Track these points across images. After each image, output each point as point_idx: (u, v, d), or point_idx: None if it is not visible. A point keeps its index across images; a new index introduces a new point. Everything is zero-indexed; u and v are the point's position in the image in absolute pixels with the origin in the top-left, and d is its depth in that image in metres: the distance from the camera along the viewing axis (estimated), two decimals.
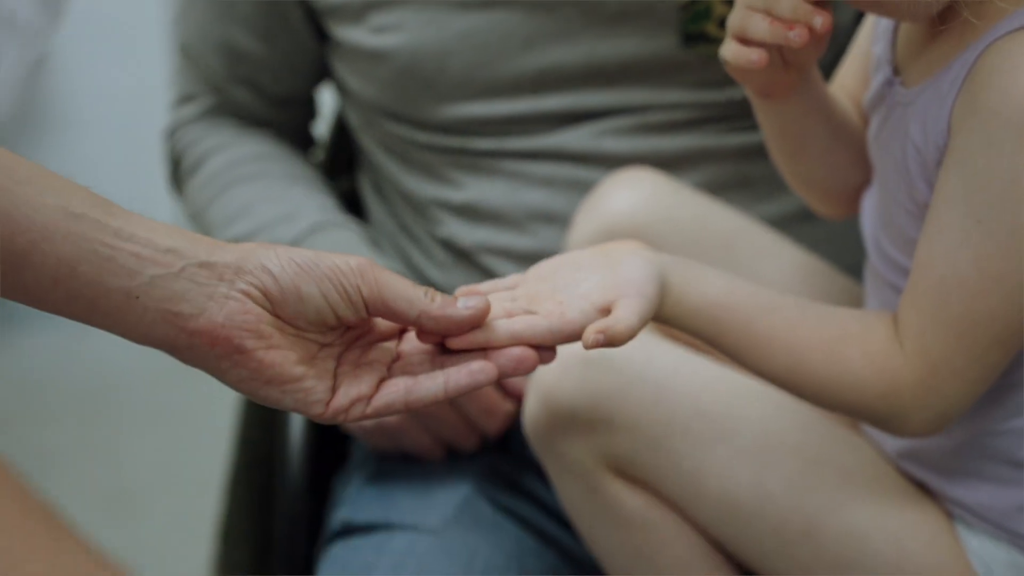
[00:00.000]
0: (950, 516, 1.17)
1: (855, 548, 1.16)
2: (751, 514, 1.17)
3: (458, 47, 1.45)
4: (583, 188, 1.44)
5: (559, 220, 1.46)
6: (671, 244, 1.30)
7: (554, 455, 1.23)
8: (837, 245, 1.47)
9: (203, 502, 2.21)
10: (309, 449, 1.65)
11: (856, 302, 1.30)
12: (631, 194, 1.33)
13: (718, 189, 1.45)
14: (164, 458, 2.77)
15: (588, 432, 1.20)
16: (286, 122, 1.63)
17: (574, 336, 1.01)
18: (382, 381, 0.99)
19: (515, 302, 1.03)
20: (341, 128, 1.71)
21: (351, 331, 1.00)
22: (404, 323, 0.99)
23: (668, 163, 1.44)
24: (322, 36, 1.55)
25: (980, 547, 1.15)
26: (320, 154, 1.71)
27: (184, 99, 1.62)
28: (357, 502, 1.47)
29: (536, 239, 1.47)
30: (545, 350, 1.01)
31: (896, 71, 1.14)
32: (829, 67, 1.35)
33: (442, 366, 1.00)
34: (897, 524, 1.16)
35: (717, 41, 1.42)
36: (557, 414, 1.21)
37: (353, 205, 1.68)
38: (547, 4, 1.43)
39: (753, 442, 1.17)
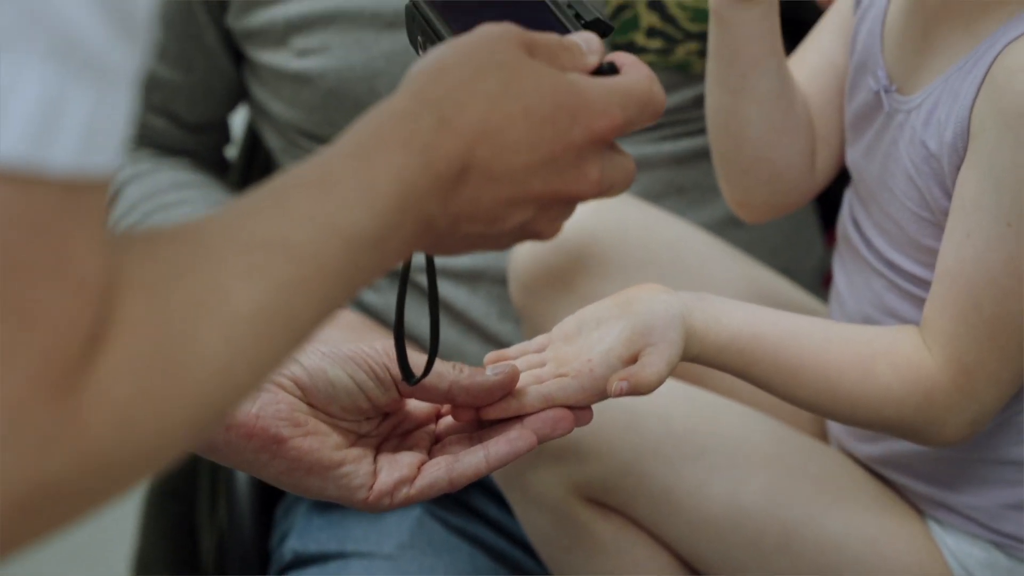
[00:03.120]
0: (922, 515, 1.18)
1: (833, 556, 1.16)
2: (727, 529, 1.17)
3: (386, 67, 1.43)
4: None
5: None
6: (620, 253, 1.29)
7: (520, 487, 1.22)
8: (763, 250, 1.48)
9: (119, 534, 2.17)
10: (251, 480, 1.63)
11: (799, 305, 1.31)
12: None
13: (651, 197, 1.45)
14: None
15: (556, 462, 1.19)
16: (202, 148, 1.60)
17: (604, 392, 1.01)
18: (422, 464, 0.98)
19: (544, 367, 1.03)
20: (253, 151, 1.68)
21: (387, 420, 0.99)
22: (436, 398, 0.98)
23: None
24: (239, 60, 1.52)
25: (956, 546, 1.16)
26: (233, 177, 1.69)
27: None
28: (306, 532, 1.45)
29: (474, 257, 1.45)
30: (580, 410, 1.01)
31: (889, 78, 1.14)
32: None
33: (480, 440, 0.99)
34: (874, 529, 1.16)
35: (645, 51, 1.42)
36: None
37: None
38: None
39: (725, 458, 1.18)
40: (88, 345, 0.58)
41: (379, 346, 0.98)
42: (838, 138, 1.23)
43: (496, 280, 1.44)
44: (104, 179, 0.59)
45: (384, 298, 1.50)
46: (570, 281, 1.28)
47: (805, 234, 1.55)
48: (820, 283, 1.55)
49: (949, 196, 1.08)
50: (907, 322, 1.13)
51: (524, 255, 1.30)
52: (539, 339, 1.08)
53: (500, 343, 1.43)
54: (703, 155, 1.45)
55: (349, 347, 0.98)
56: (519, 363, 1.03)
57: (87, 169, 0.58)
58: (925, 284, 1.12)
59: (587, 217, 1.29)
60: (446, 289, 1.46)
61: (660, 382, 1.02)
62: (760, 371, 1.08)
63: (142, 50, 0.60)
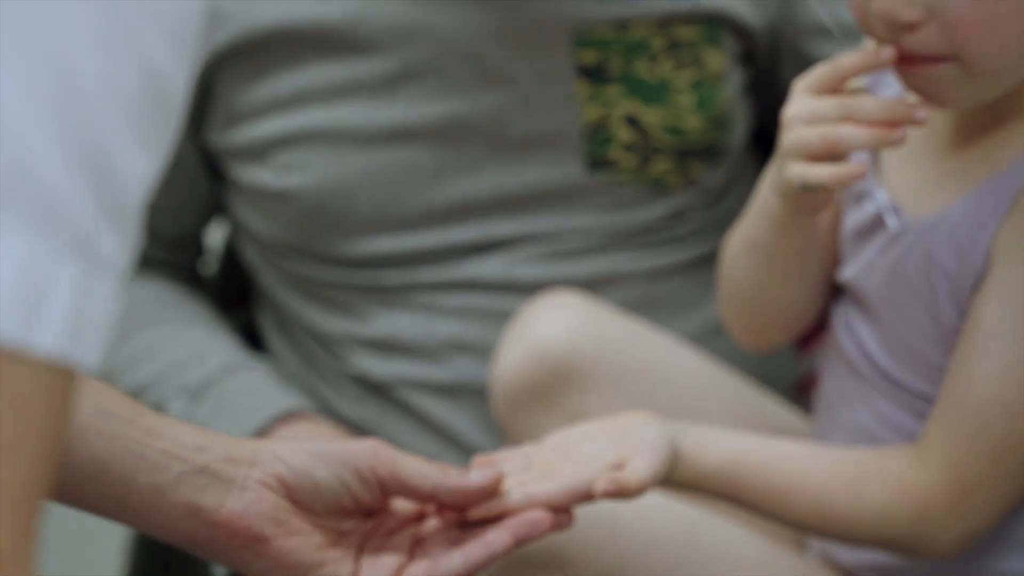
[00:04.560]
0: None
1: None
2: None
3: (365, 184, 1.45)
4: (497, 317, 1.45)
5: (474, 350, 1.46)
6: (604, 368, 1.30)
7: None
8: (738, 360, 1.49)
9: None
10: None
11: (784, 420, 1.32)
12: (561, 319, 1.32)
13: (628, 311, 1.46)
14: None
15: (537, 570, 1.19)
16: (178, 262, 1.61)
17: (589, 495, 1.02)
18: (402, 567, 0.99)
19: (529, 471, 1.04)
20: (229, 264, 1.69)
21: (370, 518, 1.00)
22: (421, 498, 0.99)
23: (580, 288, 1.45)
24: (216, 176, 1.54)
25: None
26: (211, 292, 1.69)
27: None
28: None
29: (451, 370, 1.46)
30: (561, 512, 1.01)
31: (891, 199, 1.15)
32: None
33: (460, 542, 1.00)
34: None
35: (622, 165, 1.44)
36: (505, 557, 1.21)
37: (248, 342, 1.66)
38: (452, 137, 1.44)
39: (706, 571, 1.18)
40: None
41: (366, 445, 0.99)
42: (834, 259, 1.24)
43: (476, 393, 1.45)
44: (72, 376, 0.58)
45: (365, 410, 1.50)
46: (553, 396, 1.29)
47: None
48: (794, 391, 1.56)
49: (962, 315, 1.10)
50: (908, 433, 1.14)
51: (507, 369, 1.31)
52: (527, 447, 1.08)
53: None
54: (679, 269, 1.47)
55: (336, 446, 0.99)
56: (505, 467, 1.04)
57: (69, 358, 0.57)
58: (928, 398, 1.14)
59: (570, 331, 1.30)
60: (426, 402, 1.47)
61: (644, 487, 1.03)
62: (750, 495, 1.09)
63: (131, 244, 0.60)
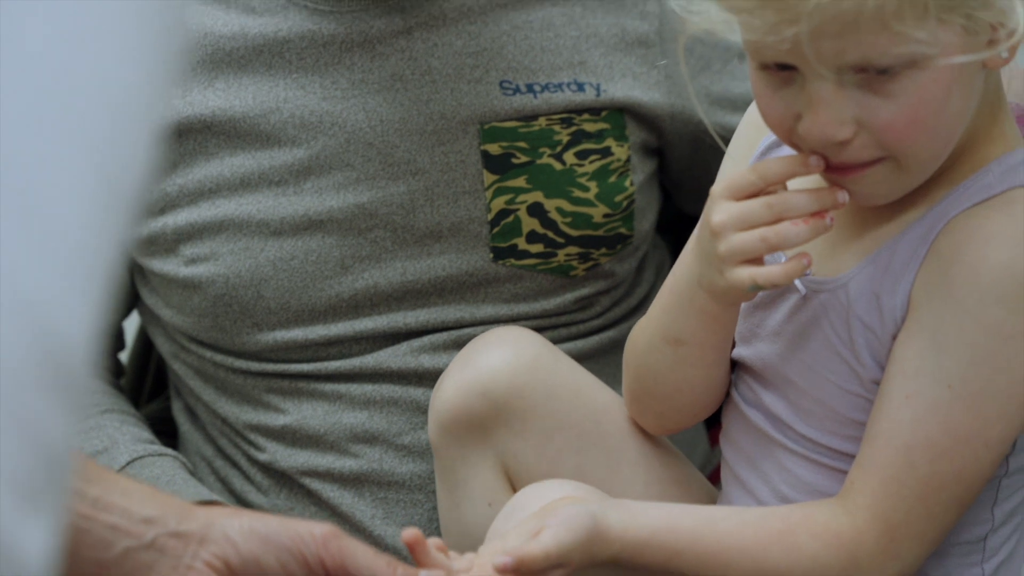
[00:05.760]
0: None
1: None
2: None
3: (273, 274, 1.46)
4: (403, 407, 1.46)
5: (380, 440, 1.47)
6: (544, 413, 1.30)
7: None
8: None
9: None
10: None
11: (705, 484, 1.33)
12: (510, 355, 1.31)
13: None
14: None
15: None
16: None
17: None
18: None
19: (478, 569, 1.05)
20: (144, 354, 1.70)
21: None
22: None
23: None
24: (130, 267, 1.54)
25: None
26: (124, 381, 1.69)
27: None
28: None
29: (359, 460, 1.47)
30: None
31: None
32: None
33: None
34: None
35: (526, 254, 1.46)
36: None
37: (163, 431, 1.66)
38: (359, 227, 1.45)
39: None
40: None
41: (318, 533, 0.99)
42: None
43: (381, 483, 1.46)
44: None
45: (275, 499, 1.50)
46: (488, 431, 1.29)
47: (689, 433, 1.57)
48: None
49: (882, 367, 1.12)
50: (824, 494, 1.16)
51: (448, 395, 1.30)
52: (468, 557, 1.09)
53: (384, 546, 1.44)
54: (586, 357, 1.48)
55: (288, 531, 0.98)
56: (455, 564, 1.05)
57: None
58: (849, 457, 1.15)
59: (517, 369, 1.29)
60: (332, 492, 1.47)
61: (545, 559, 1.03)
62: (685, 561, 1.10)
63: (77, 422, 0.58)
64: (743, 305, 1.21)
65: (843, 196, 1.08)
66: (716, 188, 1.13)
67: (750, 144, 1.24)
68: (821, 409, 1.16)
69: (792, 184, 1.12)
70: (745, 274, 1.10)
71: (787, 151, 1.14)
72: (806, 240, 1.09)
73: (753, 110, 1.24)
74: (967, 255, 1.08)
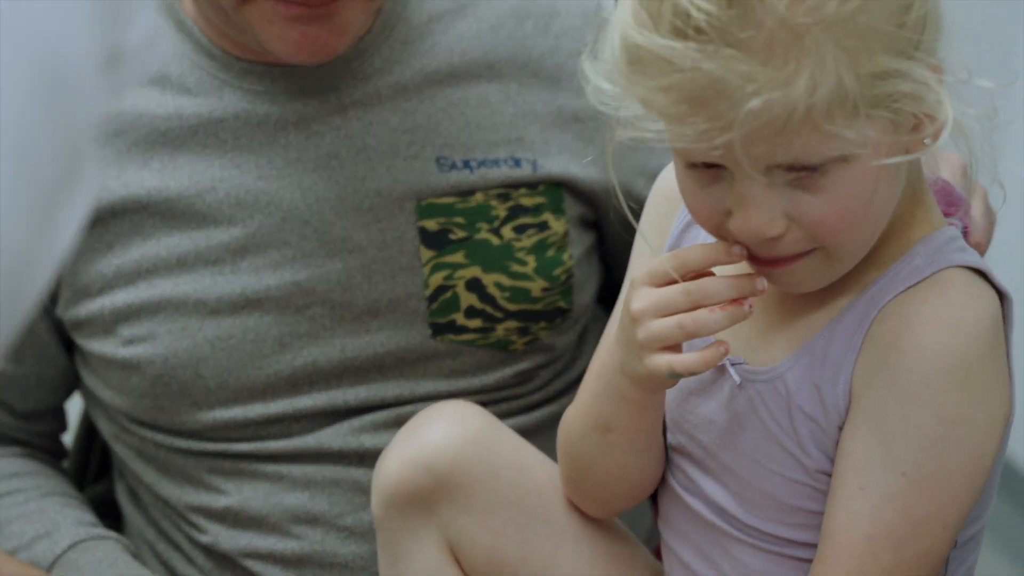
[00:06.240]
0: None
1: None
2: None
3: (211, 353, 1.45)
4: (344, 488, 1.45)
5: (322, 522, 1.46)
6: (487, 489, 1.29)
7: None
8: None
9: None
10: None
11: (651, 563, 1.32)
12: (454, 429, 1.30)
13: None
14: None
15: None
16: (36, 436, 1.60)
17: None
18: None
19: None
20: (89, 435, 1.69)
21: None
22: None
23: None
24: (70, 348, 1.54)
25: None
26: (68, 463, 1.69)
27: None
28: None
29: (300, 542, 1.46)
30: None
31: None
32: None
33: None
34: None
35: (465, 330, 1.46)
36: None
37: (108, 513, 1.65)
38: (297, 305, 1.45)
39: None
40: None
41: None
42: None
43: (323, 565, 1.45)
44: None
45: None
46: (431, 506, 1.28)
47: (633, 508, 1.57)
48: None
49: (829, 457, 1.12)
50: None
51: (392, 468, 1.30)
52: None
53: None
54: (530, 432, 1.47)
55: None
56: None
57: None
58: (797, 545, 1.15)
59: (461, 444, 1.29)
60: (274, 574, 1.46)
61: None
62: None
63: None
64: (677, 391, 1.20)
65: (761, 283, 1.08)
66: (637, 275, 1.13)
67: (662, 217, 1.24)
68: (764, 499, 1.16)
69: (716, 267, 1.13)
70: (663, 361, 1.11)
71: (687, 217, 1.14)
72: (724, 327, 1.09)
73: (664, 179, 1.25)
74: (905, 342, 1.08)
